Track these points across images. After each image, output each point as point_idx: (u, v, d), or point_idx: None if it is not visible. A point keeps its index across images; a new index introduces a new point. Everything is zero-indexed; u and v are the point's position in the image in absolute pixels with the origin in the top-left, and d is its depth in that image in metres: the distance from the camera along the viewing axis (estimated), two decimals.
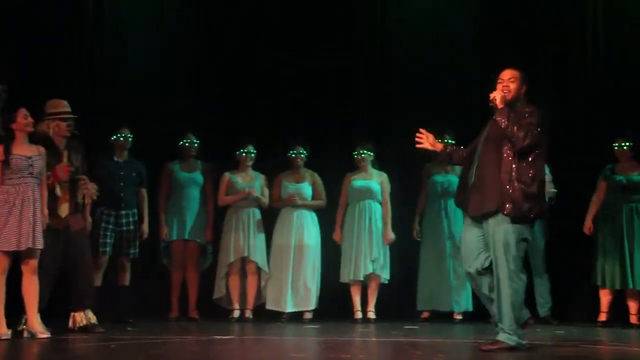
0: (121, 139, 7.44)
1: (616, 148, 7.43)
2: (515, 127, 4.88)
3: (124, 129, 7.46)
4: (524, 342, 5.02)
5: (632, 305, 7.36)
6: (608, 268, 7.31)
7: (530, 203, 4.89)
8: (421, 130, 5.32)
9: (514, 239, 4.92)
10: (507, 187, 4.86)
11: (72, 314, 6.31)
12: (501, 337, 4.97)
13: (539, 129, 4.94)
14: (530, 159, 4.93)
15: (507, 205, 4.86)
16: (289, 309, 7.58)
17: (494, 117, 5.04)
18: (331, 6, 8.58)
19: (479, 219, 5.02)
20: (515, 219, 4.89)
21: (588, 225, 7.47)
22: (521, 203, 4.87)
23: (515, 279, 4.93)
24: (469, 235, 5.10)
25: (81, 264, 6.33)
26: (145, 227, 7.48)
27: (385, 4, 8.69)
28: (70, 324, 6.29)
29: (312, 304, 7.61)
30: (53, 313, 6.25)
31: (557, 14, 8.41)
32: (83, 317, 6.29)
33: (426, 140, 5.32)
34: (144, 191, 7.54)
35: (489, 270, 5.04)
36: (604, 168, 7.51)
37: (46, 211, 5.91)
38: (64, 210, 6.20)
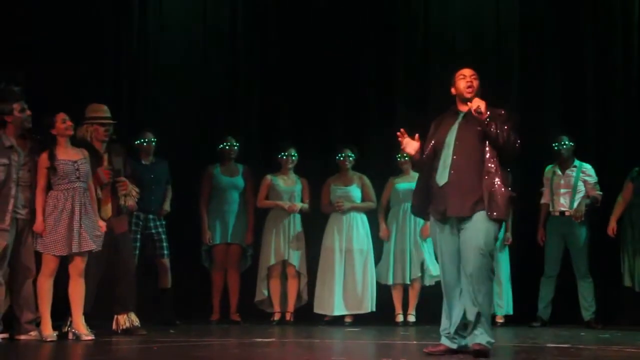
0: (144, 143, 7.48)
1: None
2: (505, 134, 4.85)
3: (147, 133, 7.50)
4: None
5: None
6: (637, 269, 7.21)
7: (512, 206, 5.03)
8: (402, 130, 5.16)
9: (494, 240, 4.92)
10: (494, 191, 4.83)
11: (115, 316, 6.39)
12: (482, 339, 4.84)
13: (518, 133, 4.95)
14: (508, 161, 4.97)
15: (496, 209, 4.83)
16: (338, 312, 7.56)
17: (460, 119, 4.99)
18: (374, 6, 8.55)
19: (452, 220, 4.94)
20: (498, 220, 4.89)
21: (612, 227, 7.39)
22: (507, 206, 4.89)
23: (492, 278, 4.95)
24: (447, 246, 5.00)
25: (124, 267, 6.40)
26: (167, 205, 7.48)
27: (428, 3, 8.64)
28: (114, 326, 6.37)
29: (367, 307, 7.57)
30: (97, 316, 6.34)
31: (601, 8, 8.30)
32: (126, 320, 6.36)
33: (407, 142, 5.12)
34: (169, 186, 7.57)
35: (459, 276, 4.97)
36: (631, 170, 7.42)
37: (96, 210, 5.99)
38: (106, 212, 6.26)
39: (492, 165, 4.88)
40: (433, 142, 5.08)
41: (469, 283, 4.86)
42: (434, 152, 5.06)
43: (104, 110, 6.45)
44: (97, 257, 6.09)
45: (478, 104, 4.90)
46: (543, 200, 7.71)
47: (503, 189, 4.86)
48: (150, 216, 7.37)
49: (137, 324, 6.38)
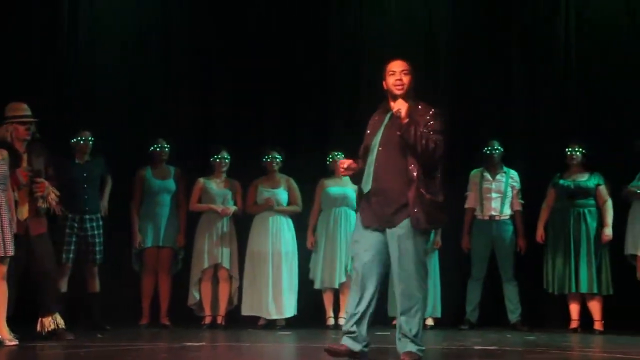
0: (82, 142, 7.36)
1: (569, 153, 7.51)
2: (423, 141, 4.65)
3: (85, 132, 7.37)
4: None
5: (574, 309, 7.43)
6: (556, 273, 7.40)
7: (441, 213, 4.76)
8: (341, 161, 4.93)
9: (423, 248, 4.80)
10: (418, 199, 4.66)
11: (40, 319, 6.25)
12: (411, 347, 4.74)
13: (445, 136, 4.76)
14: (435, 166, 4.76)
15: (421, 219, 4.66)
16: (270, 315, 7.55)
17: (386, 121, 4.83)
18: (308, 11, 8.56)
19: (377, 228, 4.81)
20: (428, 230, 4.78)
21: (540, 233, 7.55)
22: (435, 214, 4.71)
23: (425, 288, 4.81)
24: (367, 240, 4.82)
25: (44, 268, 6.25)
26: (105, 202, 7.38)
27: (362, 8, 8.68)
28: (39, 328, 6.22)
29: (290, 311, 7.59)
30: (20, 320, 6.19)
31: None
32: (51, 322, 6.22)
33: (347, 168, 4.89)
34: (108, 177, 7.48)
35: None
36: (554, 176, 7.60)
37: (15, 216, 5.86)
38: (22, 213, 6.12)
39: (415, 173, 4.69)
40: (364, 144, 4.96)
41: (401, 296, 4.74)
42: (366, 154, 4.91)
43: (24, 109, 6.31)
44: (14, 258, 5.92)
45: (399, 107, 4.74)
46: (468, 205, 7.78)
47: (427, 197, 4.69)
48: (87, 217, 7.24)
49: (62, 326, 6.25)
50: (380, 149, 4.81)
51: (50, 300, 6.26)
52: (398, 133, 4.72)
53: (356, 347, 4.84)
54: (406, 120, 4.71)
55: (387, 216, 4.76)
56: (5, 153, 5.89)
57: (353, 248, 4.99)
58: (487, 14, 8.44)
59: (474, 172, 7.80)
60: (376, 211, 4.79)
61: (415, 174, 4.70)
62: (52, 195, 6.24)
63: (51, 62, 8.24)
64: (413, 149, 4.69)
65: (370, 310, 4.85)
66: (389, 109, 4.89)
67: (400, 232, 4.73)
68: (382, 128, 4.87)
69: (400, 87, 4.84)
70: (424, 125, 4.74)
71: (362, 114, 7.61)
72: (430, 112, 4.81)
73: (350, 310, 4.87)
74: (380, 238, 4.82)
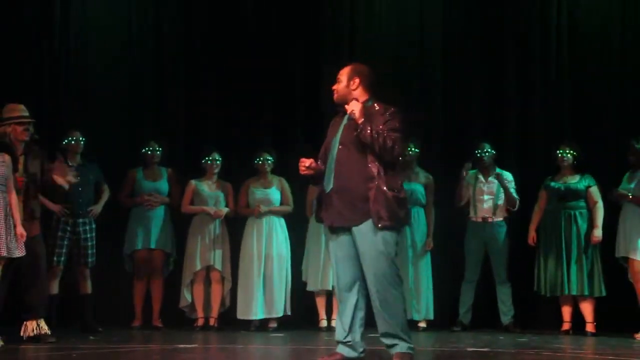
0: (72, 142, 7.32)
1: (560, 155, 7.54)
2: (380, 140, 4.66)
3: (75, 132, 7.34)
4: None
5: (566, 311, 7.45)
6: (548, 275, 7.42)
7: (404, 209, 4.77)
8: (302, 160, 4.89)
9: (393, 246, 4.72)
10: (379, 196, 4.65)
11: (24, 322, 6.22)
12: (402, 347, 4.71)
13: (402, 133, 4.75)
14: (394, 163, 4.77)
15: (383, 215, 4.64)
16: (259, 315, 7.55)
17: (345, 121, 4.83)
18: (298, 9, 8.56)
19: (342, 229, 4.78)
20: (391, 227, 4.70)
21: (532, 235, 7.57)
22: (397, 211, 4.69)
23: (400, 284, 4.74)
24: (340, 250, 4.81)
25: (34, 271, 6.22)
26: (98, 207, 7.34)
27: (353, 9, 8.68)
28: (22, 332, 6.20)
29: (280, 311, 7.58)
30: (6, 321, 6.18)
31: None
32: (35, 326, 6.20)
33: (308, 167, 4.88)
34: (105, 186, 7.46)
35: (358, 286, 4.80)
36: (546, 178, 7.63)
37: (19, 218, 5.84)
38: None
39: (375, 170, 4.69)
40: (324, 145, 4.97)
41: (376, 296, 4.68)
42: (326, 155, 4.91)
43: (21, 110, 6.29)
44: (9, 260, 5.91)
45: (353, 107, 4.76)
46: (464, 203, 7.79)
47: (388, 194, 4.66)
48: (80, 220, 7.22)
49: (46, 331, 6.22)
50: (340, 147, 4.81)
51: (37, 302, 6.22)
52: (354, 133, 4.74)
53: (352, 354, 4.83)
54: (361, 120, 4.73)
55: (350, 215, 4.73)
56: (7, 158, 5.87)
57: (331, 258, 4.95)
58: (480, 16, 8.46)
59: (470, 174, 7.81)
60: (340, 209, 4.76)
61: (375, 170, 4.70)
62: (50, 205, 6.21)
63: (42, 64, 8.23)
64: (370, 148, 4.70)
65: (359, 316, 4.82)
66: (345, 112, 4.92)
67: (364, 229, 4.69)
68: (341, 128, 4.88)
69: (334, 94, 4.93)
70: (382, 123, 4.73)
71: None
72: (389, 111, 4.80)
73: (340, 319, 4.86)
74: (348, 240, 4.78)
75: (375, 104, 4.85)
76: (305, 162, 4.86)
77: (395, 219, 4.71)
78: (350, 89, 4.89)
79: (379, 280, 4.68)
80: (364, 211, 4.70)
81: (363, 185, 4.70)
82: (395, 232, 4.75)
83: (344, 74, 4.93)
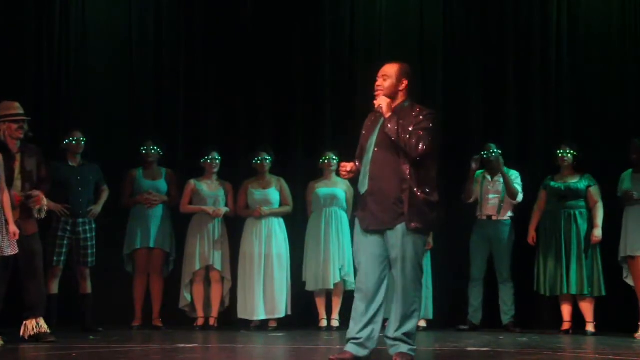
0: (73, 142, 7.30)
1: (560, 155, 7.54)
2: (406, 136, 4.68)
3: (76, 132, 7.33)
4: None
5: (566, 310, 7.45)
6: (548, 275, 7.42)
7: (435, 212, 4.76)
8: (343, 164, 5.00)
9: (422, 250, 4.79)
10: (412, 199, 4.68)
11: (24, 322, 6.22)
12: (404, 348, 4.75)
13: (434, 134, 4.74)
14: (427, 165, 4.76)
15: (415, 218, 4.67)
16: (261, 316, 7.55)
17: (381, 121, 4.81)
18: (298, 9, 8.56)
19: (376, 230, 4.80)
20: (422, 230, 4.73)
21: (532, 235, 7.58)
22: (427, 214, 4.71)
23: (421, 289, 4.81)
24: (370, 248, 4.82)
25: (31, 270, 6.22)
26: (97, 207, 7.31)
27: (354, 9, 8.68)
28: (22, 331, 6.20)
29: (281, 312, 7.58)
30: (6, 321, 6.17)
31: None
32: (35, 326, 6.19)
33: (350, 172, 4.95)
34: (105, 187, 7.44)
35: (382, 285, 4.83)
36: (545, 178, 7.63)
37: (11, 216, 5.83)
38: (14, 214, 6.06)
39: (408, 171, 4.70)
40: (360, 145, 4.99)
41: (398, 297, 4.73)
42: (362, 155, 4.92)
43: (16, 107, 6.29)
44: (2, 258, 5.89)
45: (380, 102, 4.81)
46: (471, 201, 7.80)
47: (421, 196, 4.69)
48: (80, 220, 7.21)
49: (46, 330, 6.22)
50: (375, 149, 4.83)
51: (36, 301, 6.22)
52: (385, 131, 4.77)
53: (362, 352, 4.83)
54: (388, 115, 4.77)
55: (384, 217, 4.76)
56: None
57: (355, 256, 4.99)
58: (481, 16, 8.46)
59: (478, 174, 7.81)
60: (374, 212, 4.79)
61: (407, 172, 4.71)
62: (50, 204, 6.25)
63: (42, 64, 8.23)
64: (396, 143, 4.71)
65: (379, 317, 4.84)
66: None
67: (397, 233, 4.73)
68: (378, 129, 4.88)
69: (377, 91, 4.90)
70: (415, 124, 4.74)
71: (355, 115, 7.71)
72: (425, 113, 4.82)
73: (357, 318, 4.85)
74: (380, 241, 4.81)
75: (416, 105, 4.87)
76: (347, 167, 4.96)
77: (426, 222, 4.74)
78: (397, 89, 4.88)
79: (405, 282, 4.73)
80: (397, 214, 4.72)
81: (397, 187, 4.72)
82: (425, 236, 4.81)
83: (392, 73, 4.88)
